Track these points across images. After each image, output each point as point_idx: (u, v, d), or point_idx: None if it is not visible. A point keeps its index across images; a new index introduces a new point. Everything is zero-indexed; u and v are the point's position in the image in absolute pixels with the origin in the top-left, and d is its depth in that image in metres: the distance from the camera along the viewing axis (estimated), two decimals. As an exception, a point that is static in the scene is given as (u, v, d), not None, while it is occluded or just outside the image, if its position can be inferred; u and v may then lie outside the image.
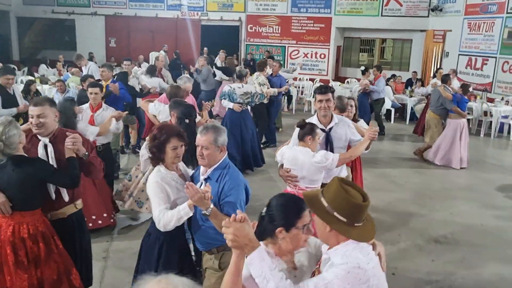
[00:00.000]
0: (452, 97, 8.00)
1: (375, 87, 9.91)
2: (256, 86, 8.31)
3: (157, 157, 2.94)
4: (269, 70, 9.30)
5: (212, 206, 2.59)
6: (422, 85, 12.73)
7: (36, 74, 13.56)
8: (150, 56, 14.72)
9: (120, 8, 17.96)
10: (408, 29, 15.50)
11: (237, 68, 9.41)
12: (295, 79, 14.59)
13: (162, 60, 8.86)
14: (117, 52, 17.69)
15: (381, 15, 15.57)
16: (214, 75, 10.95)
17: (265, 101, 8.47)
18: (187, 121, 4.00)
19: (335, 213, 1.85)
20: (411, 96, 12.09)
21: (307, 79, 14.77)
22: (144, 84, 8.44)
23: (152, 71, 8.84)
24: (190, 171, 3.18)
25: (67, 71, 11.93)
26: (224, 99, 7.26)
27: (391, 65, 16.99)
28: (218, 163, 2.82)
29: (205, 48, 16.06)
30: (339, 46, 17.16)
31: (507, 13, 11.74)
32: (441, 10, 14.43)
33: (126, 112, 5.49)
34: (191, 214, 2.72)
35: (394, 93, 12.36)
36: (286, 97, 13.37)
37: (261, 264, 1.76)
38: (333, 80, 15.50)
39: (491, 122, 10.78)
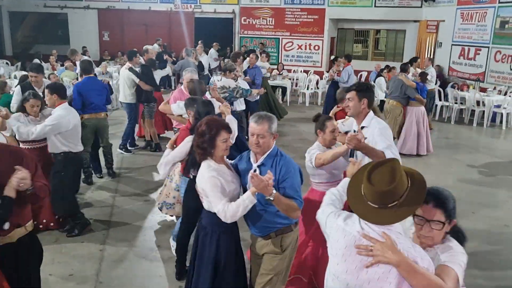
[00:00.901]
0: (416, 85, 8.20)
1: (339, 78, 9.98)
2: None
3: (208, 152, 2.97)
4: (245, 63, 9.34)
5: (275, 191, 2.70)
6: (416, 76, 12.77)
7: (29, 69, 13.48)
8: (144, 50, 14.64)
9: (113, 2, 17.86)
10: (401, 20, 15.54)
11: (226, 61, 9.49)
12: (289, 71, 14.64)
13: (152, 53, 8.29)
14: (111, 46, 17.63)
15: (375, 6, 15.59)
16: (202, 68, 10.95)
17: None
18: None
19: (362, 185, 2.00)
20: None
21: (301, 71, 14.80)
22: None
23: (153, 65, 8.40)
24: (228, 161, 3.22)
25: (61, 66, 11.89)
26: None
27: (385, 55, 17.03)
28: (270, 150, 2.95)
29: (200, 41, 16.01)
30: (333, 37, 17.16)
31: (499, 2, 11.79)
32: (434, 0, 14.46)
33: None
34: (255, 202, 2.81)
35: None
36: (280, 89, 13.41)
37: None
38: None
39: (483, 111, 10.87)
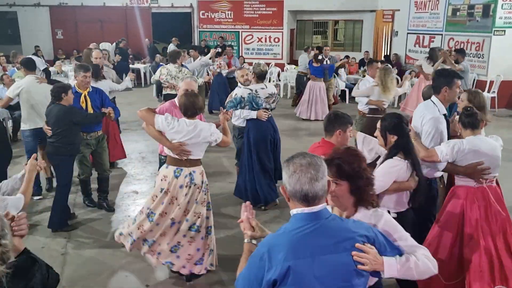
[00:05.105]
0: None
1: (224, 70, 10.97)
2: (179, 81, 7.14)
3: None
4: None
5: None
6: (374, 65, 13.04)
7: (-22, 71, 12.83)
8: (101, 47, 14.23)
9: (65, -2, 17.24)
10: (358, 10, 15.79)
11: (225, 72, 9.10)
12: (250, 64, 14.59)
13: (99, 56, 6.83)
14: (65, 44, 17.02)
15: (332, -3, 15.75)
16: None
17: None
18: None
19: None
20: (363, 76, 12.34)
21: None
22: None
23: (97, 73, 6.27)
24: None
25: (13, 66, 11.39)
26: (240, 108, 5.29)
27: (344, 46, 17.28)
28: None
29: (174, 38, 15.56)
30: (293, 29, 17.25)
31: (451, -9, 12.18)
32: (388, -10, 14.77)
33: None
34: None
35: (347, 74, 12.65)
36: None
37: None
38: (288, 64, 15.61)
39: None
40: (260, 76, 5.49)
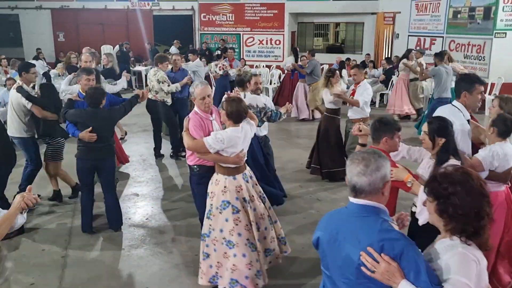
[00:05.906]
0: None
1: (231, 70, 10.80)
2: (154, 84, 7.13)
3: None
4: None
5: None
6: (374, 67, 13.04)
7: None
8: (102, 50, 14.30)
9: (66, 1, 17.28)
10: (359, 13, 15.79)
11: (232, 72, 9.66)
12: (251, 66, 14.61)
13: (88, 60, 6.53)
14: (67, 47, 16.98)
15: (333, -1, 15.78)
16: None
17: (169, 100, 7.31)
18: None
19: None
20: (364, 78, 12.33)
21: (263, 66, 14.81)
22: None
23: (97, 78, 6.07)
24: None
25: (15, 70, 11.43)
26: None
27: (345, 48, 17.28)
28: None
29: (176, 41, 15.63)
30: (294, 31, 17.26)
31: (451, -7, 12.18)
32: (389, -8, 14.79)
33: None
34: None
35: (348, 77, 12.62)
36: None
37: None
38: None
39: (441, 99, 11.20)
40: (239, 84, 5.19)
